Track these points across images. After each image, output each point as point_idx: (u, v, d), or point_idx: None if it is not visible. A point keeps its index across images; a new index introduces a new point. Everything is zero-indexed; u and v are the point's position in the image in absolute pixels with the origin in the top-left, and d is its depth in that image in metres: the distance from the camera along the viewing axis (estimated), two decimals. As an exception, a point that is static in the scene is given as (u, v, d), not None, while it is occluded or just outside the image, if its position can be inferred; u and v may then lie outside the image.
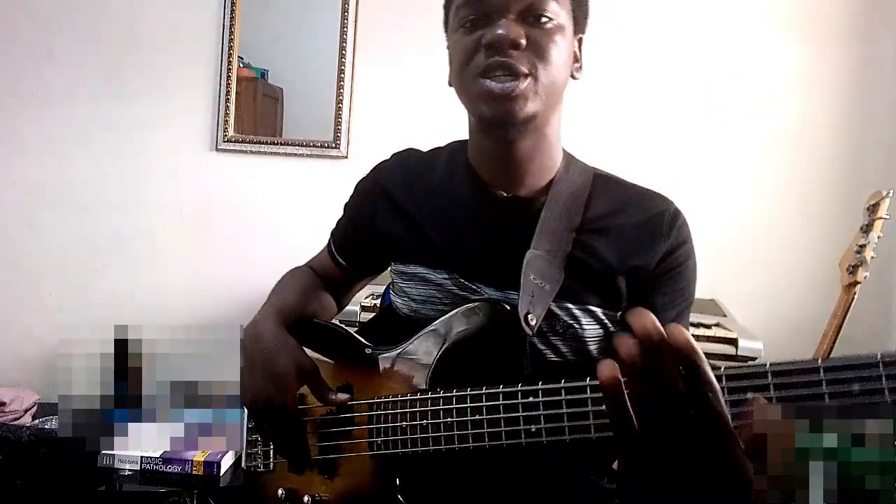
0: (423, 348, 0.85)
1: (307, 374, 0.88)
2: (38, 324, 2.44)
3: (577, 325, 0.85)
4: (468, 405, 0.76)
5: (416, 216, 0.93)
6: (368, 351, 0.90)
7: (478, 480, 0.85)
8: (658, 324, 0.48)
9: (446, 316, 0.84)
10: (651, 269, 0.86)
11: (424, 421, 0.79)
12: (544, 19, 0.80)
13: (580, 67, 0.89)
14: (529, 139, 0.85)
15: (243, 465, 1.01)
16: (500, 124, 0.82)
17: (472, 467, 0.83)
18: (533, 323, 0.81)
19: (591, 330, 0.86)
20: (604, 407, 0.53)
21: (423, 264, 0.91)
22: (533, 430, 0.71)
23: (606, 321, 0.87)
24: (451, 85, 0.88)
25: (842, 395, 0.57)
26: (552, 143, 0.89)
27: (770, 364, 0.59)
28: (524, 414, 0.71)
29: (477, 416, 0.75)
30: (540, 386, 0.71)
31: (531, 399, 0.71)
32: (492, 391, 0.75)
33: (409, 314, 0.93)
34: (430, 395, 0.80)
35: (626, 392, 0.50)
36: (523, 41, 0.78)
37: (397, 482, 0.83)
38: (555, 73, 0.81)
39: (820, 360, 0.58)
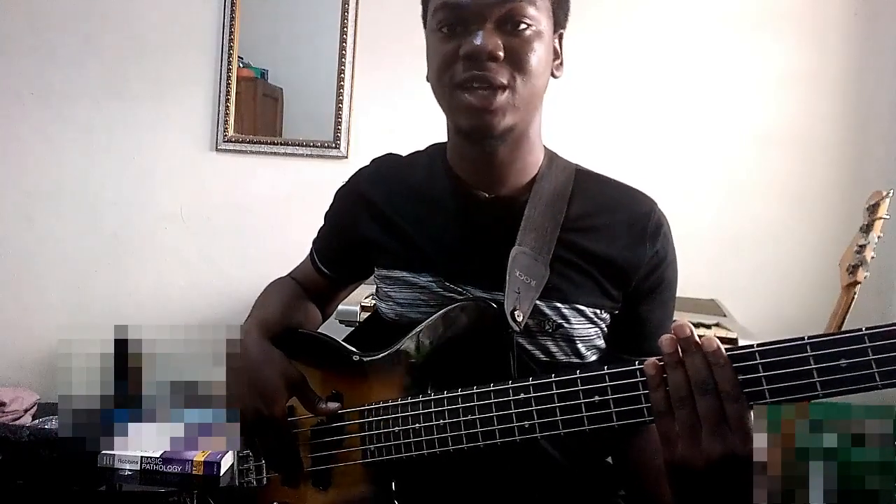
0: (412, 351, 0.85)
1: (295, 385, 0.87)
2: (38, 324, 2.44)
3: (566, 325, 0.85)
4: (460, 406, 0.76)
5: (398, 221, 0.92)
6: (355, 358, 0.89)
7: (473, 481, 0.84)
8: (694, 330, 0.62)
9: (433, 317, 0.84)
10: (637, 277, 0.87)
11: (417, 424, 0.79)
12: (523, 26, 0.79)
13: (561, 64, 0.88)
14: (509, 145, 0.85)
15: (235, 481, 0.99)
16: (479, 136, 0.82)
17: (467, 468, 0.83)
18: (520, 319, 0.80)
19: (581, 329, 0.86)
20: (594, 399, 0.68)
21: (406, 268, 0.91)
22: (526, 426, 0.71)
23: (597, 320, 0.87)
24: (428, 81, 0.88)
25: (830, 372, 0.59)
26: (533, 142, 0.89)
27: (757, 344, 0.61)
28: (517, 411, 0.72)
29: (469, 417, 0.75)
30: (531, 381, 0.72)
31: (522, 395, 0.72)
32: (482, 390, 0.75)
33: (395, 318, 0.92)
34: (420, 399, 0.80)
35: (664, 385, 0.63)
36: (501, 53, 0.77)
37: (393, 488, 0.83)
38: (533, 83, 0.80)
39: (806, 337, 0.60)
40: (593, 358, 0.88)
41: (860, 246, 1.63)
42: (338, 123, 2.34)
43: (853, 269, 1.63)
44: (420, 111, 2.23)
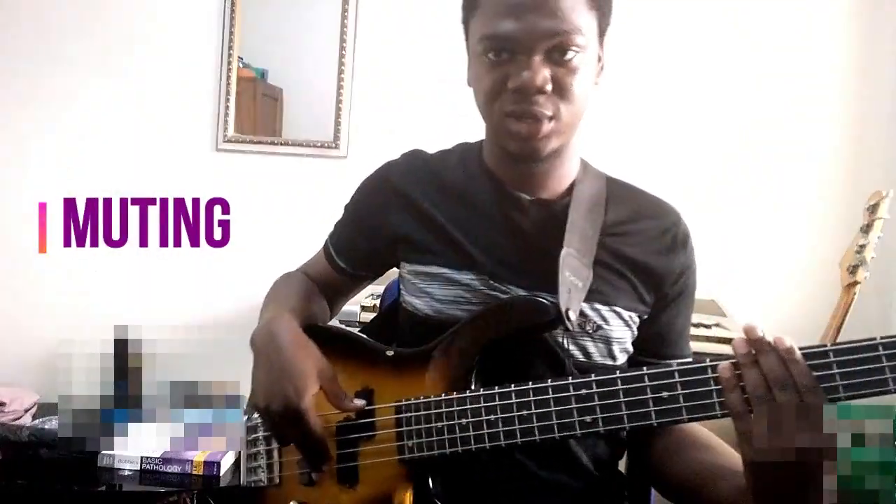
0: (459, 346, 0.83)
1: (326, 378, 0.83)
2: (38, 324, 2.44)
3: (605, 326, 0.86)
4: (514, 401, 0.75)
5: (436, 216, 0.91)
6: (390, 353, 0.88)
7: (504, 481, 0.84)
8: (764, 331, 0.65)
9: (480, 313, 0.84)
10: (668, 284, 0.90)
11: (464, 420, 0.77)
12: (570, 54, 0.79)
13: (602, 69, 0.88)
14: (552, 160, 0.87)
15: (243, 481, 0.93)
16: (525, 159, 0.85)
17: (500, 468, 0.83)
18: (573, 318, 0.81)
19: (617, 331, 0.87)
20: (662, 394, 0.69)
21: (446, 265, 0.90)
22: (588, 420, 0.72)
23: (631, 324, 0.88)
24: (470, 86, 0.88)
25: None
26: (573, 151, 0.90)
27: (830, 343, 0.64)
28: (577, 406, 0.73)
29: (525, 412, 0.75)
30: (593, 378, 0.73)
31: (584, 391, 0.73)
32: (538, 386, 0.75)
33: (432, 314, 0.90)
34: (468, 394, 0.78)
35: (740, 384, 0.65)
36: (549, 87, 0.78)
37: (430, 486, 0.81)
38: (577, 108, 0.82)
39: (879, 338, 0.63)
40: (623, 360, 0.89)
41: (860, 246, 1.63)
42: (338, 123, 2.33)
43: (853, 269, 1.63)
44: (420, 111, 2.23)
